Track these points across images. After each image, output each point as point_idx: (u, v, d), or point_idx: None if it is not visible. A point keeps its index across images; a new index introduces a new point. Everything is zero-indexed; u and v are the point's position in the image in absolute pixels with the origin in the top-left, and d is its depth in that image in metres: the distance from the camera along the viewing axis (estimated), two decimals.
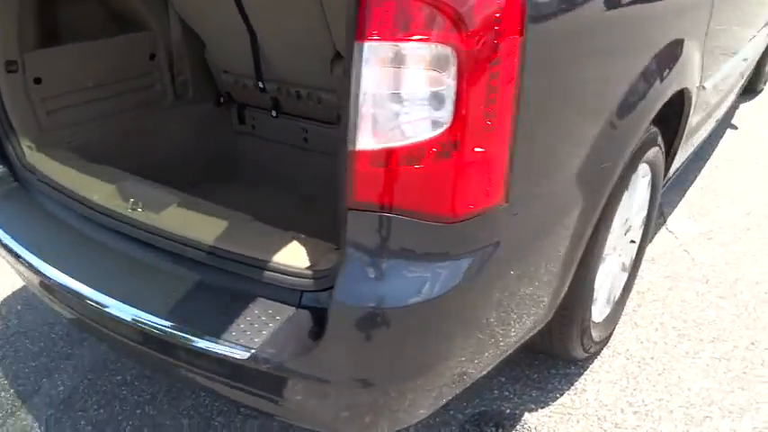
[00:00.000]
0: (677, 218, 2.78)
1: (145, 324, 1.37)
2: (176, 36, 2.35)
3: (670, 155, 2.13)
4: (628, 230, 1.95)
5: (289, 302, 1.31)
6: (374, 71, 1.00)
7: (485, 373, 1.49)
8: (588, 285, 1.65)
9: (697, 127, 2.37)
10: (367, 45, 0.99)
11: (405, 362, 1.18)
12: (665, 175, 2.18)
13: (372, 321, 1.12)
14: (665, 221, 2.75)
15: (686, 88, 1.84)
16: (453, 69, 1.00)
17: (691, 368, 1.97)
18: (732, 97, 3.10)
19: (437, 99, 1.01)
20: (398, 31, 0.99)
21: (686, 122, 2.03)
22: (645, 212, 2.06)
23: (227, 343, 1.28)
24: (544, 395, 1.89)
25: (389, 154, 1.04)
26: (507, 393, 1.90)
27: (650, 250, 2.54)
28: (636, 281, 2.34)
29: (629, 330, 2.12)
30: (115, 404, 1.93)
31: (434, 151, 1.04)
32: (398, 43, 0.99)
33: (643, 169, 1.88)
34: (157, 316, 1.37)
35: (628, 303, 2.24)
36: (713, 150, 3.44)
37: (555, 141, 1.26)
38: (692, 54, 1.84)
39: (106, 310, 1.44)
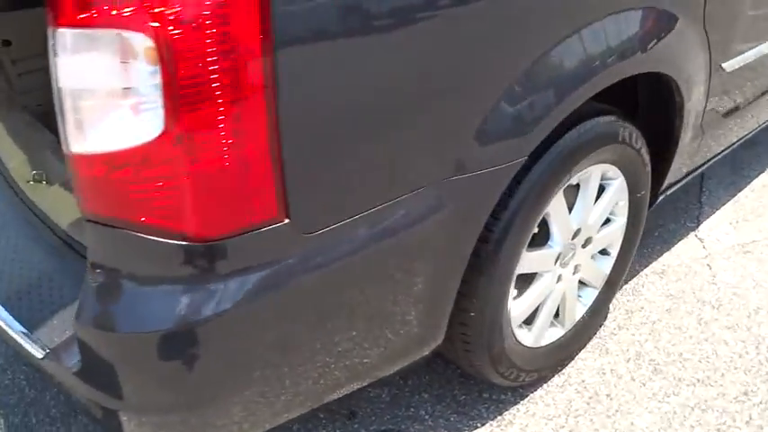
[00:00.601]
0: (715, 222, 2.31)
1: None
2: None
3: (669, 152, 1.74)
4: (587, 242, 1.63)
5: None
6: (70, 62, 0.83)
7: (326, 400, 1.31)
8: (489, 311, 1.39)
9: (730, 115, 1.92)
10: (60, 31, 0.83)
11: (163, 389, 1.04)
12: (663, 175, 1.80)
13: (106, 346, 0.99)
14: (697, 225, 2.31)
15: (663, 74, 1.46)
16: (160, 63, 0.81)
17: (651, 414, 1.63)
18: None
19: (145, 98, 0.83)
20: (93, 15, 0.81)
21: (682, 114, 1.63)
22: (623, 220, 1.71)
23: (31, 338, 1.22)
24: (463, 422, 1.66)
25: (104, 160, 0.88)
26: (423, 413, 1.68)
27: (665, 260, 2.14)
28: (628, 297, 1.99)
29: (595, 357, 1.80)
30: None
31: (153, 159, 0.86)
32: (93, 30, 0.82)
33: (602, 172, 1.54)
34: None
35: (608, 323, 1.90)
36: None
37: (369, 146, 1.01)
38: (677, 32, 1.45)
39: None
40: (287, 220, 0.98)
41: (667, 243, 2.23)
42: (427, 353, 1.38)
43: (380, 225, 1.09)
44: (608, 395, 1.69)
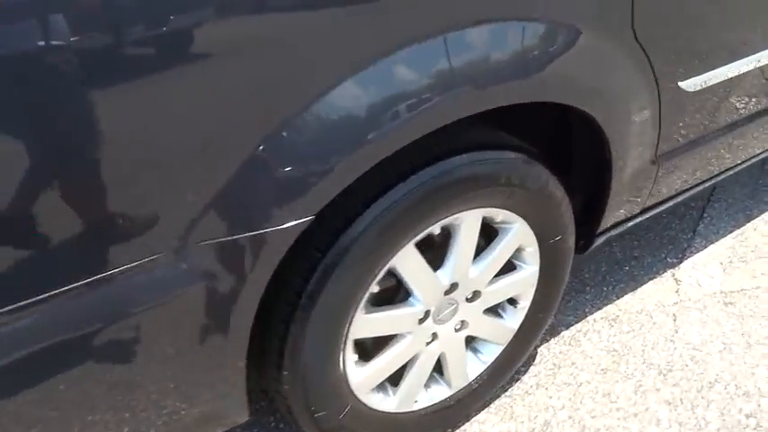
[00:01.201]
0: (702, 260, 1.92)
1: None
2: None
3: (604, 189, 1.41)
4: (474, 296, 1.34)
5: None
6: None
7: None
8: (306, 383, 1.16)
9: (703, 144, 1.53)
10: None
11: None
12: (598, 215, 1.47)
13: None
14: (680, 262, 1.92)
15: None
16: None
17: None
18: None
19: None
20: None
21: (609, 148, 1.29)
22: (534, 269, 1.40)
23: None
24: None
25: None
26: None
27: (623, 304, 1.80)
28: (562, 347, 1.69)
29: (496, 422, 1.53)
30: None
31: None
32: None
33: (486, 217, 1.24)
34: None
35: (526, 379, 1.62)
36: None
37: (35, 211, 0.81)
38: (577, 49, 1.11)
39: None
40: None
41: (635, 281, 1.87)
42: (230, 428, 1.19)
43: (87, 303, 0.88)
44: None
